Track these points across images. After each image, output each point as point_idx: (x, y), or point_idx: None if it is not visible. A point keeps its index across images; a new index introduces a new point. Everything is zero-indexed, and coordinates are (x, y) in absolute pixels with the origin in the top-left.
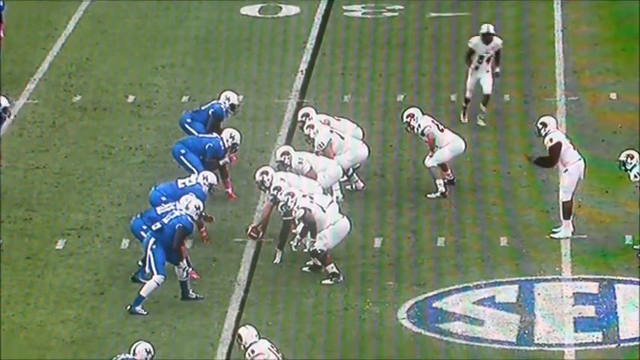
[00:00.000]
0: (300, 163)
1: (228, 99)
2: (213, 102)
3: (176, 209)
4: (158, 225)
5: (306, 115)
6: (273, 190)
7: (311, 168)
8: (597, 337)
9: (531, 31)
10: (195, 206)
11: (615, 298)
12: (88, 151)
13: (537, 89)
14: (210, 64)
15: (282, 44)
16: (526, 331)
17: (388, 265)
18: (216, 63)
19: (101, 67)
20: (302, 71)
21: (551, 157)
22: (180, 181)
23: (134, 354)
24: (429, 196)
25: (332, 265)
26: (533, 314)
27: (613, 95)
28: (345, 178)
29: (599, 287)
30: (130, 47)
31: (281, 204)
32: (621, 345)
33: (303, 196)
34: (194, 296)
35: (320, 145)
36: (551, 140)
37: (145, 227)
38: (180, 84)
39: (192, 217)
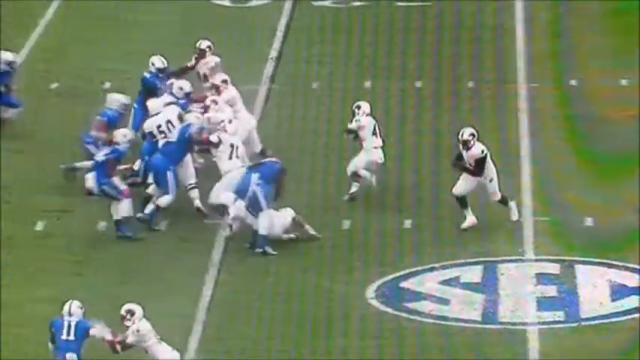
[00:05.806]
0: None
1: (153, 64)
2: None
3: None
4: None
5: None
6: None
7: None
8: (559, 316)
9: (492, 18)
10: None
11: (576, 278)
12: (66, 137)
13: (498, 76)
14: (182, 52)
15: (252, 32)
16: (490, 310)
17: (357, 246)
18: (189, 50)
19: (77, 54)
20: (272, 59)
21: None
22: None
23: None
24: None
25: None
26: (497, 294)
27: (573, 82)
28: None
29: (560, 268)
30: (103, 34)
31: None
32: (582, 323)
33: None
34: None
35: None
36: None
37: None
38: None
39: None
